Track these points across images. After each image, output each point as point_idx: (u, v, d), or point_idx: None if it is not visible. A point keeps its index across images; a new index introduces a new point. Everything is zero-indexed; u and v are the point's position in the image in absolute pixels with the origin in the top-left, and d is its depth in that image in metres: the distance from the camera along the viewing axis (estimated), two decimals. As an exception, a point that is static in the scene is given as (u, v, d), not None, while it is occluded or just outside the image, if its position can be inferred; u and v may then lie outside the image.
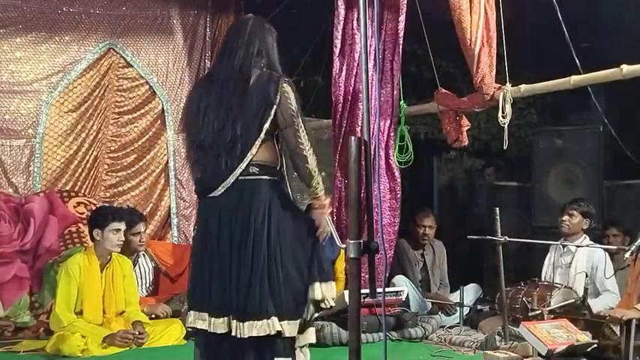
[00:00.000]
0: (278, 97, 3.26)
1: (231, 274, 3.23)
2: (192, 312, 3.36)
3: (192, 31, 6.55)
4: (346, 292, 4.67)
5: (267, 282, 3.21)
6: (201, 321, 3.30)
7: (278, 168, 3.38)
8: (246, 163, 3.24)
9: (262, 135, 3.26)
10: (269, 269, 3.22)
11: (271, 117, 3.26)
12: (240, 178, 3.24)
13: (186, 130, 3.47)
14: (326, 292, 3.31)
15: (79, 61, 6.01)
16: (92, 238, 4.80)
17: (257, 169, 3.27)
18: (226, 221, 3.26)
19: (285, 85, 3.28)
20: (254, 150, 3.25)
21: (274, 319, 3.19)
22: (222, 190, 3.26)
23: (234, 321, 3.20)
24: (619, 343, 4.17)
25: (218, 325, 3.24)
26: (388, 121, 5.76)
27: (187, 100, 3.60)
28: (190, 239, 6.11)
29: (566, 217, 5.28)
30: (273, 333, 3.17)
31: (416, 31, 5.67)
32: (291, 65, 7.39)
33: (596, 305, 4.89)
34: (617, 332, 4.23)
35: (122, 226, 4.79)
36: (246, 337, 3.17)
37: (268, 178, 3.31)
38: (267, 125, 3.25)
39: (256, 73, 3.31)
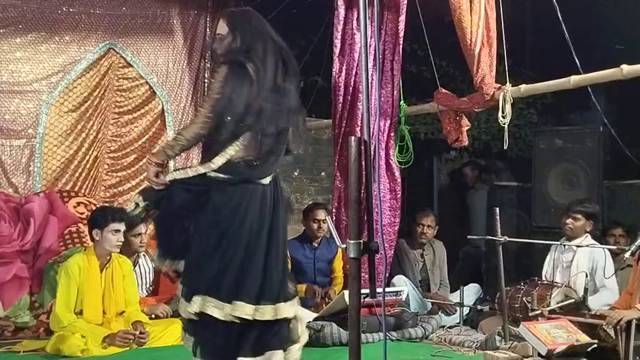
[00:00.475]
0: None
1: (277, 260, 3.46)
2: (205, 297, 3.32)
3: (192, 31, 6.55)
4: (346, 292, 4.67)
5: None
6: (217, 310, 3.30)
7: None
8: None
9: None
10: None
11: None
12: None
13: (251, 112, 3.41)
14: None
15: (79, 61, 6.01)
16: (92, 239, 4.80)
17: None
18: (270, 209, 3.44)
19: None
20: None
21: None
22: (270, 179, 3.44)
23: (275, 304, 3.38)
24: (616, 344, 4.17)
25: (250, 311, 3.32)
26: (388, 121, 5.76)
27: (252, 84, 3.46)
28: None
29: (569, 220, 5.21)
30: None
31: (416, 31, 5.68)
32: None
33: (594, 302, 4.88)
34: (612, 334, 4.23)
35: (122, 227, 4.79)
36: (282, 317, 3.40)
37: None
38: None
39: None
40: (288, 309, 3.44)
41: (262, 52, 3.43)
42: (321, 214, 5.84)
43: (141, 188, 3.61)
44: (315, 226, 5.83)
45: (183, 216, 3.41)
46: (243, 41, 3.45)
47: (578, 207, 5.25)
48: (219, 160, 3.35)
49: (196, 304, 3.31)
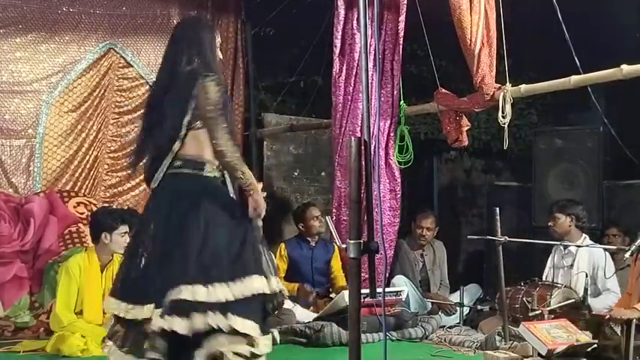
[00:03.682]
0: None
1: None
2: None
3: (192, 31, 6.53)
4: (346, 292, 4.67)
5: None
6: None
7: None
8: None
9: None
10: None
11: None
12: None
13: None
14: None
15: (79, 61, 6.01)
16: (96, 240, 4.78)
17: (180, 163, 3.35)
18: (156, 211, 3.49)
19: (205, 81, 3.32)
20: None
21: None
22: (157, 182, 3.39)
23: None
24: (619, 343, 4.17)
25: None
26: (388, 121, 5.76)
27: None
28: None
29: (550, 223, 5.34)
30: None
31: (416, 31, 5.67)
32: (291, 65, 7.45)
33: (596, 304, 4.90)
34: (618, 332, 4.23)
35: (127, 228, 4.81)
36: None
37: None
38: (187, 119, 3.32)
39: None
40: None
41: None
42: (316, 211, 5.88)
43: None
44: (317, 223, 5.85)
45: None
46: None
47: (554, 208, 5.38)
48: None
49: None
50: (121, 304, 3.20)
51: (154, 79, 3.59)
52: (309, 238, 5.93)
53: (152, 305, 3.12)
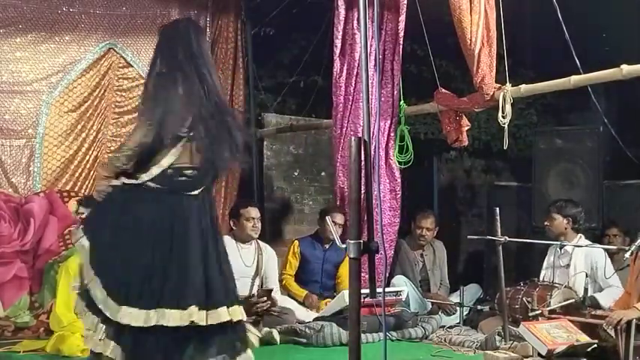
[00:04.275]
0: None
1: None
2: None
3: (192, 31, 6.53)
4: (346, 292, 4.68)
5: None
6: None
7: None
8: None
9: None
10: None
11: None
12: None
13: None
14: None
15: (79, 61, 6.00)
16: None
17: None
18: (193, 221, 3.58)
19: None
20: None
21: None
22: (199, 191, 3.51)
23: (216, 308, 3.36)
24: (616, 344, 4.17)
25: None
26: (388, 121, 5.77)
27: None
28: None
29: (547, 222, 5.35)
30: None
31: (416, 31, 5.68)
32: (291, 65, 7.45)
33: (602, 300, 4.91)
34: (612, 334, 4.23)
35: None
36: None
37: None
38: None
39: None
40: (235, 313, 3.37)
41: (188, 67, 3.51)
42: (337, 219, 5.73)
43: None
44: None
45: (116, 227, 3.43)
46: (170, 54, 3.55)
47: (551, 207, 5.38)
48: (155, 170, 3.38)
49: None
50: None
51: (203, 83, 3.52)
52: (323, 240, 5.88)
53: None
